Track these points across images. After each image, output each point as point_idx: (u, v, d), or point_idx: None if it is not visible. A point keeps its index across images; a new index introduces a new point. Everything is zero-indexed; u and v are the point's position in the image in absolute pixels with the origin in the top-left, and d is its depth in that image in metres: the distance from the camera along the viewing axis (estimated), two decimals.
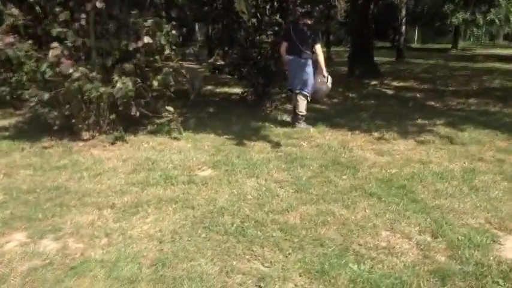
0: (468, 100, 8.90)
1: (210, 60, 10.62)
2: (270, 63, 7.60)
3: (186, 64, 7.52)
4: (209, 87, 11.17)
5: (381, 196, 3.79)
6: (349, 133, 6.15)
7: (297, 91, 6.39)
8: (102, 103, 5.43)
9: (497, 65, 17.61)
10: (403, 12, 19.89)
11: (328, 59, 21.27)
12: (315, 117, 7.17)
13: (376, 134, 6.06)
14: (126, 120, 6.20)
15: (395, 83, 11.82)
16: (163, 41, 5.59)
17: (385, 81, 12.08)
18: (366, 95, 9.96)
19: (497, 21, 5.07)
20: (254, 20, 7.38)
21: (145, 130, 6.27)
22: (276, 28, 7.45)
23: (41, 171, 4.49)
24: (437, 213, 3.47)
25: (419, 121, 6.83)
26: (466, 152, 5.15)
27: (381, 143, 5.63)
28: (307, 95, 6.40)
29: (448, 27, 26.49)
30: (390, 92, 10.44)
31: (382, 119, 7.03)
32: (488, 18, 5.05)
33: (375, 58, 22.51)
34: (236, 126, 6.65)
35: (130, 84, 5.01)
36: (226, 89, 10.90)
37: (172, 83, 6.07)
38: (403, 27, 20.30)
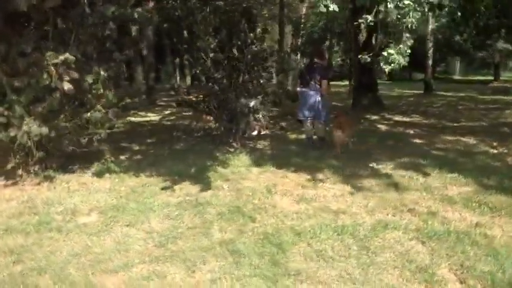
0: (463, 138, 7.94)
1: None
2: (231, 99, 7.26)
3: None
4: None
5: (243, 255, 3.23)
6: (291, 174, 5.59)
7: (310, 119, 7.08)
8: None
9: None
10: (430, 44, 18.87)
11: (350, 93, 20.76)
12: (274, 155, 6.70)
13: (320, 176, 5.45)
14: (65, 157, 6.09)
15: (397, 118, 10.98)
16: (89, 80, 5.46)
17: (387, 116, 11.27)
18: (355, 131, 9.23)
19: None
20: (212, 55, 7.14)
21: (84, 168, 6.08)
22: (235, 63, 7.14)
23: None
24: (290, 281, 2.85)
25: (381, 162, 6.07)
26: (400, 201, 4.41)
27: (314, 187, 5.01)
28: (322, 120, 7.07)
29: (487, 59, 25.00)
30: (385, 127, 9.64)
31: (344, 159, 6.34)
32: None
33: (405, 91, 21.65)
34: (183, 164, 6.26)
35: (35, 127, 4.86)
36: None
37: (114, 121, 5.95)
38: (430, 60, 19.22)
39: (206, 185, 5.10)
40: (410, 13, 4.23)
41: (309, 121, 7.16)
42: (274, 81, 8.16)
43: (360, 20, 4.64)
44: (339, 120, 7.03)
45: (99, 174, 5.73)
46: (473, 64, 30.98)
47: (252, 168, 5.98)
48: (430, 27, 18.40)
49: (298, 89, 7.31)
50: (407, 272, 2.96)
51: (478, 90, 20.63)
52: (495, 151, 6.68)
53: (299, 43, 25.57)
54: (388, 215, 4.06)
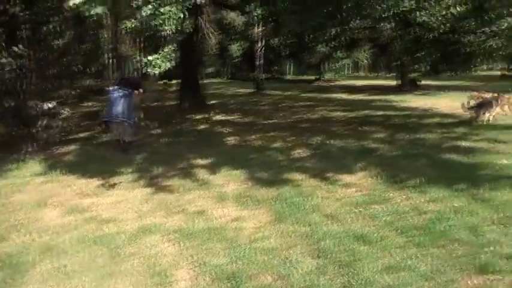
0: (267, 134, 8.59)
1: None
2: (19, 102, 6.50)
3: None
4: None
5: None
6: (80, 182, 5.25)
7: (120, 121, 6.73)
8: None
9: (343, 95, 18.44)
10: (258, 45, 20.15)
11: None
12: (72, 161, 6.24)
13: (113, 181, 5.23)
14: None
15: (219, 117, 11.38)
16: None
17: (211, 115, 11.60)
18: (173, 132, 9.22)
19: None
20: None
21: None
22: (21, 61, 6.40)
23: None
24: None
25: (182, 163, 6.14)
26: (177, 202, 4.49)
27: (97, 194, 4.78)
28: (131, 123, 6.87)
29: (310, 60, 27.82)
30: (204, 126, 9.88)
31: (154, 161, 6.21)
32: None
33: (240, 90, 22.72)
34: None
35: None
36: None
37: None
38: (259, 60, 20.53)
39: None
40: (166, 21, 4.27)
41: (116, 123, 6.91)
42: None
43: (123, 26, 4.54)
44: None
45: None
46: (303, 65, 34.12)
47: (36, 178, 5.47)
48: (257, 30, 19.58)
49: (108, 89, 7.28)
50: (146, 277, 2.96)
51: (302, 89, 22.83)
52: (286, 145, 7.37)
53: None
54: (157, 218, 4.07)
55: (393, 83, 20.39)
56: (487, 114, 8.65)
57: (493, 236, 3.41)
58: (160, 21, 4.14)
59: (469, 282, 2.78)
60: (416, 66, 15.55)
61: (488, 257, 3.05)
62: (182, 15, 4.26)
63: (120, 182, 5.23)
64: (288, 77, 33.67)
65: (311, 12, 6.90)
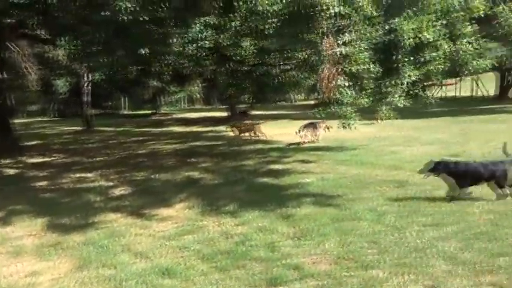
0: (89, 174, 8.01)
1: None
2: None
3: None
4: None
5: None
6: None
7: None
8: None
9: (178, 128, 18.59)
10: (83, 80, 19.04)
11: None
12: None
13: None
14: None
15: (35, 159, 10.18)
16: None
17: (25, 158, 10.31)
18: None
19: None
20: None
21: None
22: None
23: None
24: None
25: None
26: None
27: None
28: None
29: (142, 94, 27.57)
30: (13, 172, 8.71)
31: None
32: None
33: (70, 128, 20.95)
34: None
35: None
36: None
37: None
38: (87, 96, 19.37)
39: None
40: None
41: None
42: None
43: None
44: None
45: None
46: (138, 99, 33.44)
47: None
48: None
49: None
50: None
51: (137, 124, 22.29)
52: (107, 184, 6.98)
53: None
54: None
55: (225, 114, 21.54)
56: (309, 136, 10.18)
57: (287, 250, 3.76)
58: None
59: None
60: (242, 97, 16.70)
61: (279, 269, 3.32)
62: None
63: None
64: (124, 112, 32.59)
65: (112, 53, 6.80)
